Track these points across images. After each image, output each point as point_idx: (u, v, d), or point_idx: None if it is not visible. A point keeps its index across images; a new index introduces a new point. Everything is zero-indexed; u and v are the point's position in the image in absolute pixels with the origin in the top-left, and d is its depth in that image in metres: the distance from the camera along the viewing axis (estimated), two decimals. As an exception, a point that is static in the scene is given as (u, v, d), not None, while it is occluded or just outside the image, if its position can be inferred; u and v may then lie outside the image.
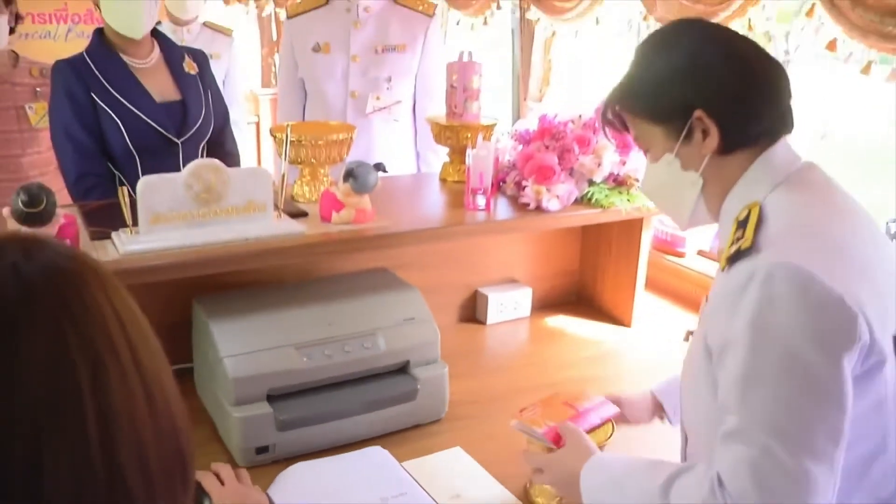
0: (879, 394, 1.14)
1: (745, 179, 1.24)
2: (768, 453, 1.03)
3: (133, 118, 2.25)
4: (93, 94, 2.24)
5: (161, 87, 2.34)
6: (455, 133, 2.27)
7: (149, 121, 2.24)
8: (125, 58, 2.29)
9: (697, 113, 1.21)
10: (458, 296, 2.34)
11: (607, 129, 1.40)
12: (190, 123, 2.33)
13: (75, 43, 7.39)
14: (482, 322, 2.33)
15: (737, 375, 1.09)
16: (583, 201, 2.11)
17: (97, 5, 2.27)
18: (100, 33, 2.32)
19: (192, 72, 2.41)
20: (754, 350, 1.07)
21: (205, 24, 3.87)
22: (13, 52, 2.91)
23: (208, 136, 2.38)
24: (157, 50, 2.36)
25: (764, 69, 1.23)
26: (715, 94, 1.22)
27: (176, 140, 2.30)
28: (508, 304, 2.34)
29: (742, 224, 1.18)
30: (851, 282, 1.08)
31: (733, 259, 1.15)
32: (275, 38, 5.89)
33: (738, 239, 1.17)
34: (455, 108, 2.24)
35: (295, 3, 2.99)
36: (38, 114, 2.86)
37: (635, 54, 1.30)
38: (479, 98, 2.26)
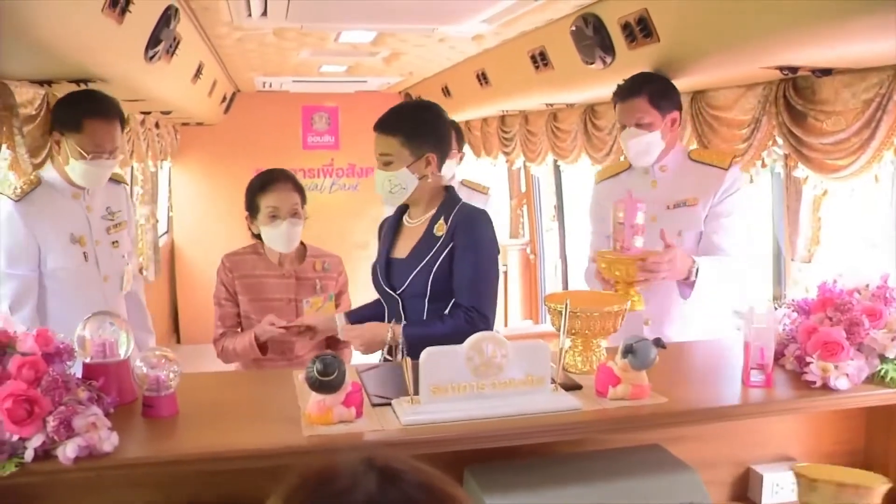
0: None
1: None
2: None
3: (375, 267, 2.60)
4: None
5: (406, 244, 2.52)
6: (624, 266, 2.44)
7: (378, 271, 2.56)
8: (404, 217, 2.58)
9: None
10: (728, 473, 2.17)
11: None
12: (403, 279, 2.48)
13: (337, 195, 8.06)
14: (755, 503, 2.15)
15: None
16: (874, 379, 1.94)
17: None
18: None
19: (440, 233, 2.43)
20: None
21: (463, 182, 4.03)
22: (302, 243, 2.97)
23: (427, 293, 2.43)
24: (431, 212, 2.48)
25: None
26: None
27: (392, 293, 2.52)
28: (786, 486, 2.14)
29: None
30: None
31: None
32: (523, 189, 6.10)
33: None
34: (623, 244, 2.46)
35: (599, 170, 3.19)
36: (313, 307, 2.89)
37: None
38: (644, 233, 2.47)
